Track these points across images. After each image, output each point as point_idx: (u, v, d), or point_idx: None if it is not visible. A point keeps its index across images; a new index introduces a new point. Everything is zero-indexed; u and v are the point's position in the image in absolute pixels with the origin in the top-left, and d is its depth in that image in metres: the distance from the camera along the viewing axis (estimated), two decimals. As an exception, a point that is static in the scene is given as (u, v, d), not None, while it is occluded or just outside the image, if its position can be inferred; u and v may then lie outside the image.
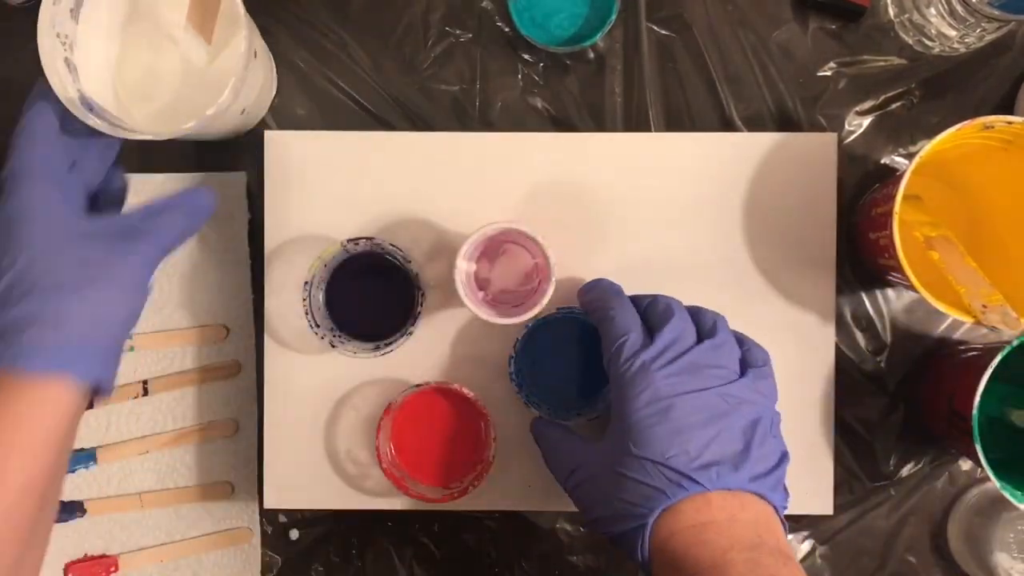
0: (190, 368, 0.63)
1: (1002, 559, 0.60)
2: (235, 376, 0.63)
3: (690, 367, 0.48)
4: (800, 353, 0.61)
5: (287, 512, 0.63)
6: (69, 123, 0.49)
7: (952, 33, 0.59)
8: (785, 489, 0.50)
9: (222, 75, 0.59)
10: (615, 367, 0.50)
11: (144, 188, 0.62)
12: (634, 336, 0.50)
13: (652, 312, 0.52)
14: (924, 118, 0.62)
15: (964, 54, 0.62)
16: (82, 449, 0.62)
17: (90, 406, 0.61)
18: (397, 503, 0.61)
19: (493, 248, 0.60)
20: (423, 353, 0.61)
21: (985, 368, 0.51)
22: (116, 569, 0.62)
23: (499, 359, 0.61)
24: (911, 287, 0.51)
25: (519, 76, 0.63)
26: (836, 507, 0.61)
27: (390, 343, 0.57)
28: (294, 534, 0.63)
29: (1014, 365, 0.53)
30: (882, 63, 0.62)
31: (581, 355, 0.60)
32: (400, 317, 0.57)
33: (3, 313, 0.43)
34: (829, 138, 0.61)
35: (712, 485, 0.46)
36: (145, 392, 0.62)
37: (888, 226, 0.51)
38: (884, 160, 0.63)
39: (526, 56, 0.63)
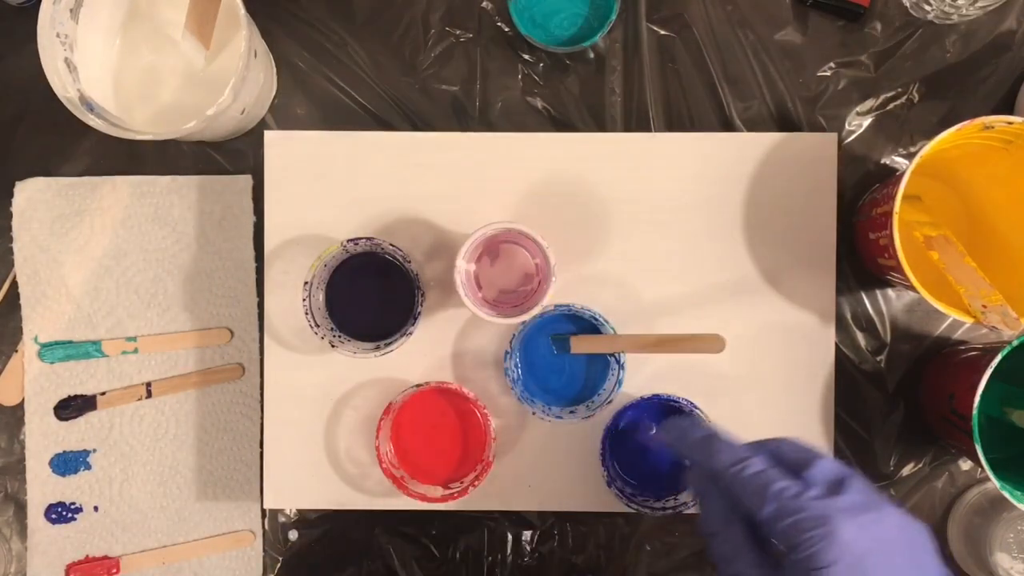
0: (193, 371, 0.63)
1: (1002, 559, 0.60)
2: (238, 379, 0.63)
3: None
4: (800, 353, 0.61)
5: (287, 513, 0.63)
6: None
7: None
8: None
9: (222, 75, 0.59)
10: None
11: (150, 190, 0.62)
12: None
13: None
14: (924, 118, 0.62)
15: (965, 54, 0.62)
16: (83, 450, 0.62)
17: (93, 408, 0.62)
18: (397, 503, 0.61)
19: (493, 248, 0.60)
20: (423, 353, 0.61)
21: (985, 368, 0.51)
22: (118, 571, 0.62)
23: (499, 359, 0.61)
24: (911, 287, 0.51)
25: (519, 76, 0.63)
26: (836, 507, 0.61)
27: (390, 343, 0.57)
28: (294, 535, 0.63)
29: (1014, 365, 0.53)
30: (882, 63, 0.62)
31: (579, 354, 0.60)
32: (400, 317, 0.57)
33: None
34: (829, 138, 0.61)
35: None
36: (148, 394, 0.62)
37: (888, 226, 0.51)
38: (884, 160, 0.63)
39: (526, 56, 0.63)
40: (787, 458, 0.42)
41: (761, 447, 0.43)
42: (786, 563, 0.39)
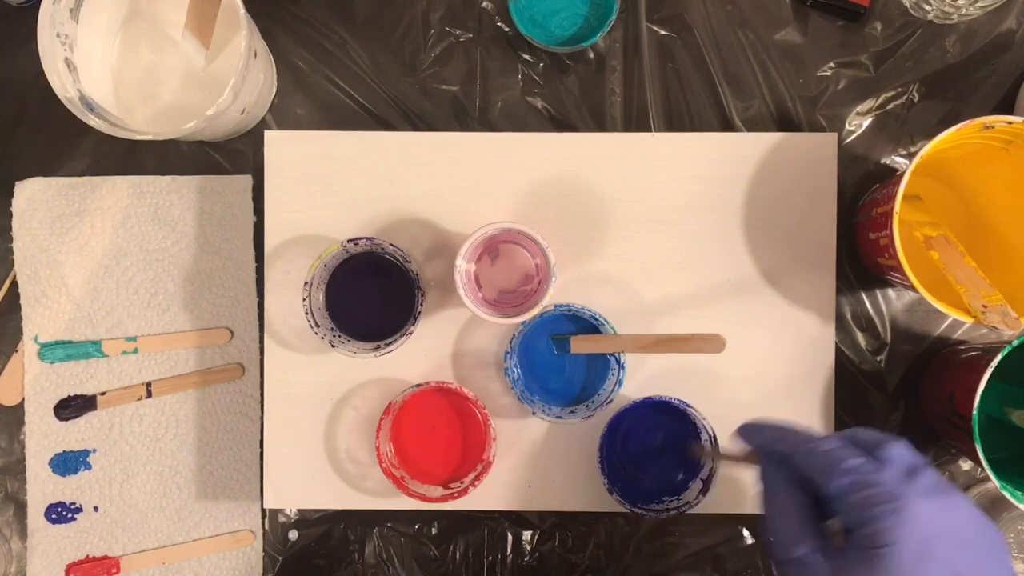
0: (193, 371, 0.63)
1: (1002, 559, 0.60)
2: (238, 379, 0.63)
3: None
4: (800, 353, 0.61)
5: (287, 513, 0.63)
6: None
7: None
8: None
9: (222, 75, 0.59)
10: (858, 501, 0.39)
11: (150, 190, 0.62)
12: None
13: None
14: (924, 118, 0.62)
15: (965, 54, 0.62)
16: (83, 450, 0.62)
17: (93, 408, 0.62)
18: (397, 503, 0.61)
19: (493, 248, 0.60)
20: (423, 353, 0.61)
21: (985, 368, 0.51)
22: (117, 571, 0.62)
23: (499, 359, 0.61)
24: (911, 287, 0.51)
25: (519, 76, 0.63)
26: (836, 507, 0.61)
27: (390, 343, 0.57)
28: (294, 534, 0.63)
29: (1014, 365, 0.53)
30: (882, 63, 0.62)
31: (579, 354, 0.60)
32: (400, 317, 0.57)
33: None
34: (829, 138, 0.61)
35: None
36: (148, 394, 0.62)
37: (888, 226, 0.51)
38: (884, 160, 0.63)
39: (526, 56, 0.63)
40: (861, 440, 0.41)
41: (836, 434, 0.43)
42: (849, 541, 0.38)
